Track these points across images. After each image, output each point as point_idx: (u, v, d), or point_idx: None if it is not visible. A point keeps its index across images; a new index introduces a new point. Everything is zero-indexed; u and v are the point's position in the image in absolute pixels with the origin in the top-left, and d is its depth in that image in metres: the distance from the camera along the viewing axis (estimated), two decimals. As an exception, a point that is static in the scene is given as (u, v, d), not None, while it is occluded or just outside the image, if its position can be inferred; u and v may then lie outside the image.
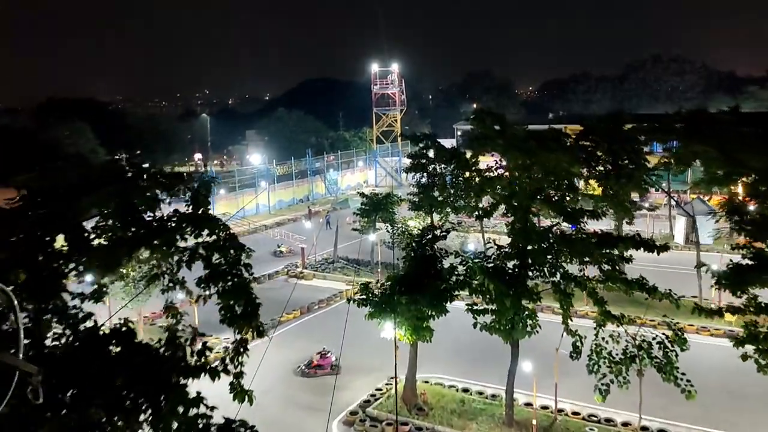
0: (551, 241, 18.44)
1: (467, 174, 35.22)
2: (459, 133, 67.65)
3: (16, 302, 3.87)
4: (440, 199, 35.50)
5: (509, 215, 21.00)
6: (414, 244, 20.73)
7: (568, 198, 24.26)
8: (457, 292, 19.33)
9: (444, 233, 21.31)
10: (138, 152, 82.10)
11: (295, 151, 74.18)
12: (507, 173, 29.69)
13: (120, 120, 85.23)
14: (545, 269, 18.49)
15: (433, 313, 19.39)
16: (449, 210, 35.38)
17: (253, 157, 63.48)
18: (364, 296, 19.99)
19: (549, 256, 18.47)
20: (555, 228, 19.11)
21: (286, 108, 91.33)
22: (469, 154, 36.03)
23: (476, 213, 34.62)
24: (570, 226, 21.29)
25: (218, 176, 53.02)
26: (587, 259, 18.39)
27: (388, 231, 36.97)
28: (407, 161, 75.94)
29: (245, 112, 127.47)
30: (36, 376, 3.82)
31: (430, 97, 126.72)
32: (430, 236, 20.69)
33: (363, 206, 37.37)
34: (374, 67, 73.96)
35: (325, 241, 41.07)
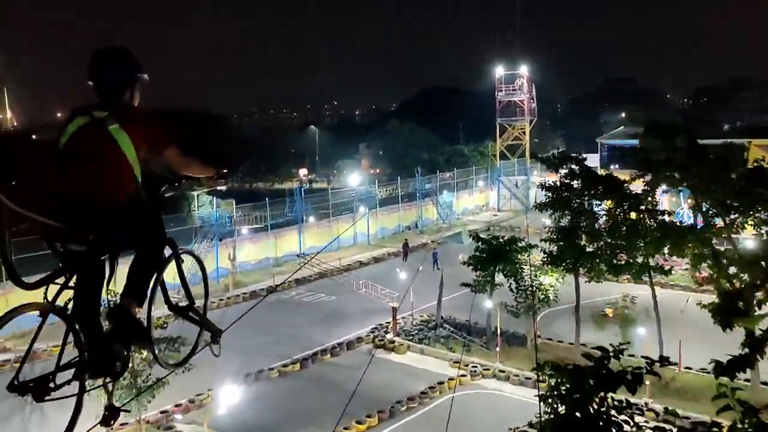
0: None
1: (633, 215, 23.88)
2: (604, 149, 55.24)
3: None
4: (590, 250, 24.47)
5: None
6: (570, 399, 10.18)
7: None
8: None
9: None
10: (242, 167, 76.68)
11: (406, 168, 64.87)
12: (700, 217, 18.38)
13: (233, 133, 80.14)
14: None
15: None
16: (604, 268, 24.18)
17: (352, 177, 54.80)
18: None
19: None
20: None
21: (399, 119, 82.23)
22: (633, 184, 24.76)
23: (648, 274, 23.25)
24: None
25: (305, 204, 44.58)
26: None
27: (511, 290, 26.36)
28: (537, 179, 64.70)
29: (366, 123, 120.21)
30: (218, 335, 3.98)
31: (559, 106, 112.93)
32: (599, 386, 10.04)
33: (476, 254, 26.97)
34: (499, 71, 63.00)
35: (428, 285, 31.00)
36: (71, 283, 3.29)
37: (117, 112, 3.36)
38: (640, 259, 23.62)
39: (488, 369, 24.61)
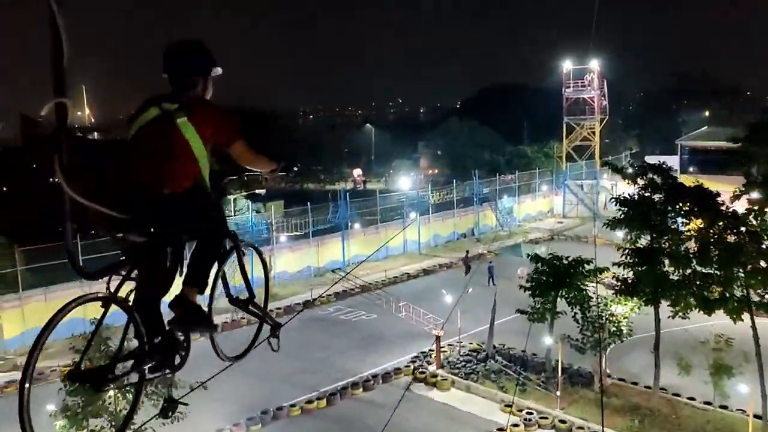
0: None
1: (731, 237, 19.36)
2: (685, 151, 49.74)
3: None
4: (674, 278, 20.13)
5: None
6: None
7: None
8: None
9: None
10: (295, 168, 74.40)
11: (464, 170, 60.89)
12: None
13: (286, 133, 77.90)
14: None
15: None
16: (693, 302, 19.74)
17: (403, 180, 51.15)
18: None
19: None
20: None
21: (459, 118, 78.00)
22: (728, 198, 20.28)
23: (749, 310, 18.75)
24: None
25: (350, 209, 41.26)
26: None
27: (576, 321, 22.27)
28: (607, 183, 59.59)
29: (428, 121, 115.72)
30: (277, 329, 4.02)
31: (631, 104, 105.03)
32: None
33: (535, 277, 22.96)
34: (566, 65, 58.05)
35: (480, 303, 27.26)
36: (133, 275, 3.24)
37: (187, 104, 3.34)
38: (739, 292, 19.13)
39: (546, 418, 20.62)
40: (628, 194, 21.03)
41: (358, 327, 30.12)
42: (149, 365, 3.19)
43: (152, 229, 3.20)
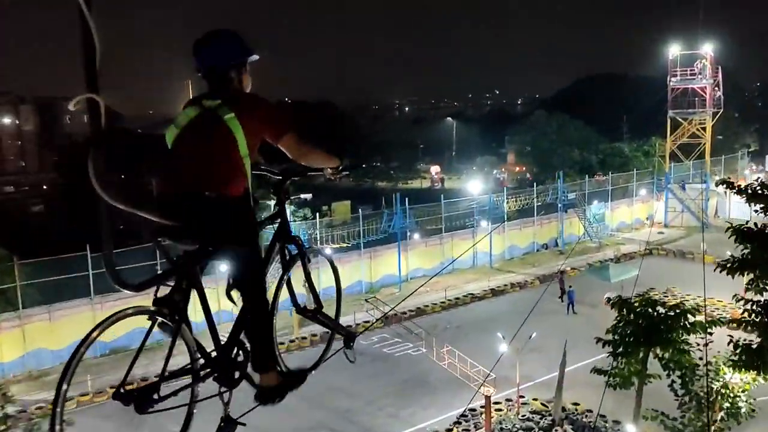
0: None
1: None
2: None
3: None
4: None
5: None
6: None
7: None
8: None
9: None
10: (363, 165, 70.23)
11: (551, 169, 54.42)
12: None
13: (349, 126, 73.74)
14: None
15: None
16: None
17: (472, 184, 45.14)
18: None
19: None
20: None
21: (548, 111, 70.78)
22: None
23: None
24: None
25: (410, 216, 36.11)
26: None
27: (674, 391, 16.36)
28: (719, 189, 51.29)
29: (521, 114, 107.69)
30: (352, 340, 3.91)
31: (746, 94, 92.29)
32: None
33: (619, 329, 17.13)
34: (673, 51, 50.11)
35: (553, 336, 21.75)
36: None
37: (230, 99, 3.07)
38: None
39: None
40: (755, 223, 14.82)
41: (400, 365, 25.14)
42: (216, 378, 3.02)
43: (200, 236, 2.96)
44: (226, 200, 2.99)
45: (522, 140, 70.66)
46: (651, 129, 58.46)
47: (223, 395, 3.09)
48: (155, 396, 2.73)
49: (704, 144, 50.52)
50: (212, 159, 2.99)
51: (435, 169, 75.01)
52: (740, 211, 32.94)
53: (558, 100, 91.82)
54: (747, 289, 15.06)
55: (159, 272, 3.05)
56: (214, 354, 3.01)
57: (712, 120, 50.30)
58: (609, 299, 30.99)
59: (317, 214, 51.17)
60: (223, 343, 3.07)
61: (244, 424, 3.13)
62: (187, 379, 2.95)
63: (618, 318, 17.53)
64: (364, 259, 34.76)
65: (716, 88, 49.82)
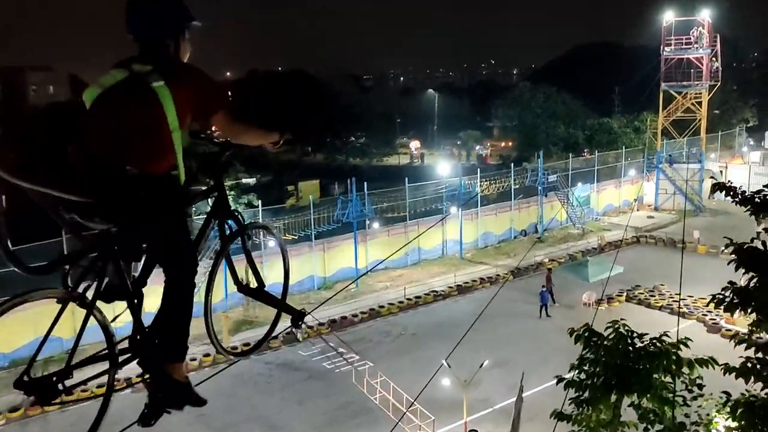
0: None
1: None
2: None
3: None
4: None
5: None
6: None
7: None
8: None
9: None
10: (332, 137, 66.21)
11: (535, 146, 50.53)
12: None
13: (329, 96, 69.32)
14: None
15: None
16: None
17: (441, 166, 41.10)
18: None
19: None
20: None
21: (533, 83, 66.53)
22: None
23: None
24: None
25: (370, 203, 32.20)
26: None
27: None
28: (715, 167, 47.65)
29: (508, 86, 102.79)
30: (300, 318, 3.68)
31: (743, 65, 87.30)
32: None
33: (582, 368, 13.46)
34: (667, 17, 45.88)
35: (524, 348, 18.19)
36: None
37: (163, 67, 2.75)
38: None
39: None
40: (763, 242, 11.11)
41: (339, 384, 21.38)
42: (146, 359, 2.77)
43: (116, 214, 2.66)
44: (148, 177, 2.68)
45: (506, 114, 66.61)
46: (642, 103, 54.48)
47: (146, 380, 2.78)
48: (62, 385, 2.48)
49: (700, 120, 46.67)
50: (135, 129, 2.66)
51: (415, 144, 70.92)
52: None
53: (551, 69, 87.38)
54: (751, 331, 11.35)
55: (66, 253, 2.66)
56: (138, 337, 2.77)
57: (709, 94, 46.37)
58: (586, 304, 27.47)
59: (284, 194, 47.42)
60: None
61: (169, 412, 2.78)
62: (102, 365, 2.71)
63: (585, 351, 13.86)
64: (317, 252, 31.00)
65: (714, 59, 45.75)
